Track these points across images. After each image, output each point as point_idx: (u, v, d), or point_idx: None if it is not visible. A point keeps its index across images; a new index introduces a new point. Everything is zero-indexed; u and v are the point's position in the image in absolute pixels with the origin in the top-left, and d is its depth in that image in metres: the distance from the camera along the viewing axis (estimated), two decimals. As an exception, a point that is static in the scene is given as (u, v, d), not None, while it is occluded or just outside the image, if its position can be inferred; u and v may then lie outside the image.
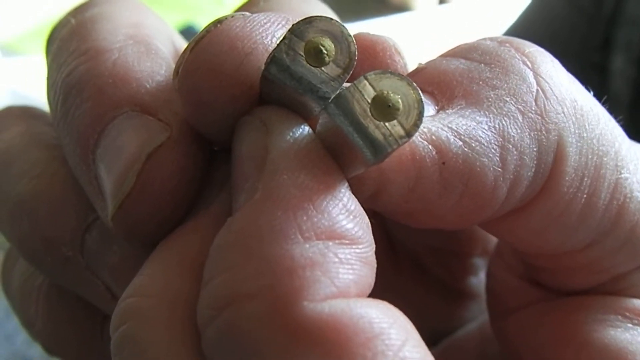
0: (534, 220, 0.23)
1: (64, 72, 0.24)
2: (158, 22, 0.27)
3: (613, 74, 0.62)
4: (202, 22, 1.99)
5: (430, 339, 0.30)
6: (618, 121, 0.24)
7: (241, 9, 0.27)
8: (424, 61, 0.23)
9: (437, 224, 0.23)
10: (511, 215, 0.22)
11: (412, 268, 0.30)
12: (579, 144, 0.22)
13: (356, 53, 0.20)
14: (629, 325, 0.23)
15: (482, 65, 0.22)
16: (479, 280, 0.31)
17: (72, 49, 0.24)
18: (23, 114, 0.29)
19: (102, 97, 0.22)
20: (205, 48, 0.20)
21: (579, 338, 0.23)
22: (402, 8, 2.14)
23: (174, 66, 0.24)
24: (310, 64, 0.20)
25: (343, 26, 0.20)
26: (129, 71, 0.23)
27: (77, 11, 0.26)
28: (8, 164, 0.26)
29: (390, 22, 2.06)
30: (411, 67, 0.24)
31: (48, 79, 0.25)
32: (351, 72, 0.20)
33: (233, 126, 0.21)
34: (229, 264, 0.18)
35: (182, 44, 0.28)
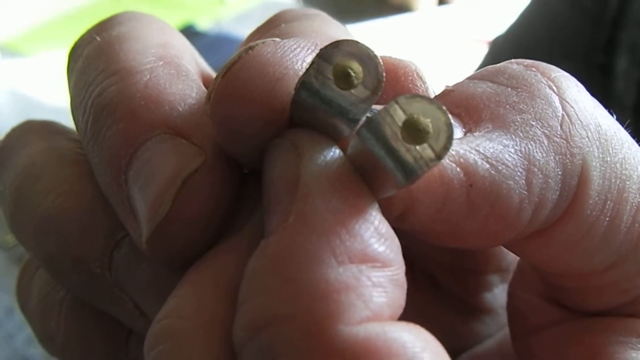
0: (556, 241, 0.23)
1: (94, 92, 0.24)
2: (182, 40, 0.27)
3: (617, 76, 0.62)
4: (202, 22, 2.00)
5: (450, 355, 0.30)
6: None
7: (260, 30, 0.27)
8: (450, 83, 0.24)
9: (462, 244, 0.23)
10: (534, 236, 0.23)
11: (428, 286, 0.31)
12: (602, 167, 0.22)
13: (384, 75, 0.20)
14: None
15: (509, 89, 0.22)
16: (493, 295, 0.31)
17: (100, 68, 0.24)
18: (44, 128, 0.28)
19: (134, 119, 0.22)
20: (237, 74, 0.21)
21: None
22: (402, 9, 2.14)
23: (203, 87, 0.24)
24: (339, 87, 0.20)
25: (370, 49, 0.20)
26: (161, 93, 0.23)
27: (101, 28, 0.26)
28: (34, 179, 0.26)
29: (391, 23, 2.06)
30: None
31: (74, 97, 0.25)
32: (380, 93, 0.20)
33: (264, 149, 0.22)
34: (265, 287, 0.18)
35: (202, 62, 0.28)
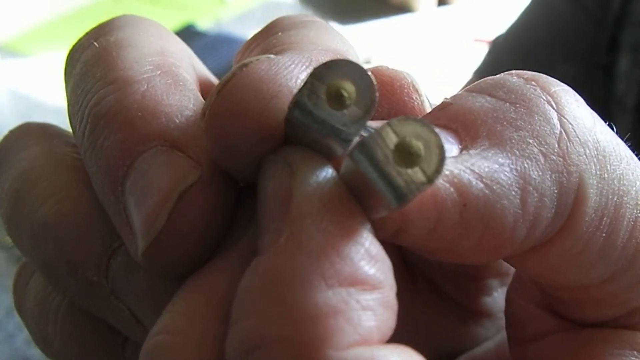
0: (553, 256, 0.23)
1: (92, 101, 0.24)
2: (179, 46, 0.27)
3: (619, 76, 0.62)
4: (202, 22, 1.99)
5: (449, 358, 0.30)
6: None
7: (258, 38, 0.27)
8: (449, 95, 0.24)
9: (457, 260, 0.23)
10: (531, 251, 0.23)
11: (428, 290, 0.31)
12: (599, 185, 0.22)
13: (377, 94, 0.20)
14: None
15: (507, 104, 0.22)
16: (493, 299, 0.32)
17: (98, 75, 0.24)
18: (42, 131, 0.28)
19: (131, 130, 0.23)
20: (231, 92, 0.21)
21: None
22: (402, 9, 2.14)
23: (200, 97, 0.24)
24: (332, 107, 0.20)
25: (363, 68, 0.20)
26: (158, 105, 0.23)
27: (98, 33, 0.26)
28: (31, 184, 0.26)
29: (391, 23, 2.06)
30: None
31: (71, 103, 0.25)
32: (373, 112, 0.20)
33: (260, 165, 0.22)
34: (255, 308, 0.19)
35: (200, 66, 0.28)
